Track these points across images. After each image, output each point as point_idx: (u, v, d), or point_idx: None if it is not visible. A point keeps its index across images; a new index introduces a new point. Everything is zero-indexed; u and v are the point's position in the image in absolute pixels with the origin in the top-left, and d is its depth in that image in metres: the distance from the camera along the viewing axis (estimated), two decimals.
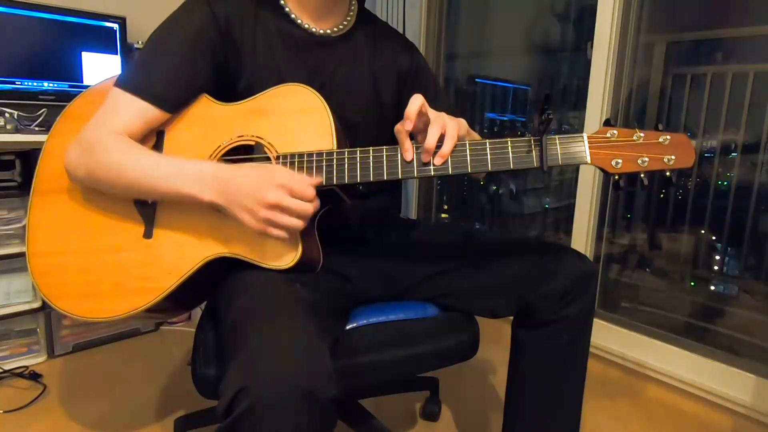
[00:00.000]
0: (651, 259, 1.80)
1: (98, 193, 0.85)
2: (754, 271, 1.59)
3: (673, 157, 0.74)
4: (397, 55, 1.03)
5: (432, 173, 0.78)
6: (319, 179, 0.77)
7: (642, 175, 0.76)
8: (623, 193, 1.80)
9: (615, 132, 0.76)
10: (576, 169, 1.77)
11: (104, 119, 0.82)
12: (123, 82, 0.83)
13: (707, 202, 1.62)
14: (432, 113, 0.80)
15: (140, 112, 0.82)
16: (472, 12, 2.31)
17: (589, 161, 0.76)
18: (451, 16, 2.32)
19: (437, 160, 0.77)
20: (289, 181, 0.73)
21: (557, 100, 2.01)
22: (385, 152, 0.79)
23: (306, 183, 0.74)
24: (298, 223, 0.74)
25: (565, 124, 1.98)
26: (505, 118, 2.29)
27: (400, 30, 1.98)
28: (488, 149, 0.77)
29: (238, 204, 0.74)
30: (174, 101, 0.84)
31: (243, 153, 0.84)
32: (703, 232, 1.66)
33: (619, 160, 0.75)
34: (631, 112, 1.70)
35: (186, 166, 0.78)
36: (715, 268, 1.66)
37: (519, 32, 2.18)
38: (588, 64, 1.65)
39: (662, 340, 1.61)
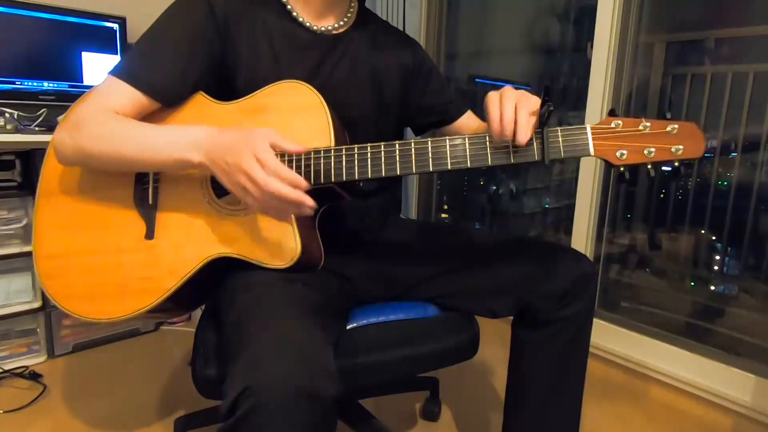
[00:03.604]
0: (651, 259, 1.80)
1: (101, 193, 0.85)
2: (754, 271, 1.58)
3: (681, 147, 0.71)
4: (399, 52, 1.03)
5: (431, 168, 0.77)
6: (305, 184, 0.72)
7: (649, 166, 0.73)
8: (623, 194, 1.79)
9: (620, 122, 0.73)
10: (576, 168, 1.77)
11: (95, 100, 0.81)
12: (116, 70, 0.82)
13: (707, 202, 1.62)
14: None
15: (131, 99, 0.81)
16: (472, 12, 2.31)
17: (592, 153, 0.73)
18: (451, 16, 2.32)
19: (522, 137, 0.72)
20: (265, 156, 0.69)
21: (557, 101, 2.01)
22: (384, 149, 0.78)
23: (285, 171, 0.70)
24: (259, 199, 0.70)
25: (565, 123, 1.98)
26: None
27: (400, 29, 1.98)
28: (488, 143, 0.76)
29: (218, 163, 0.73)
30: (166, 93, 0.83)
31: None
32: (703, 232, 1.66)
33: (624, 151, 0.72)
34: (631, 112, 1.70)
35: (181, 131, 0.78)
36: (715, 268, 1.66)
37: (519, 32, 2.18)
38: (588, 63, 1.65)
39: (662, 340, 1.61)
